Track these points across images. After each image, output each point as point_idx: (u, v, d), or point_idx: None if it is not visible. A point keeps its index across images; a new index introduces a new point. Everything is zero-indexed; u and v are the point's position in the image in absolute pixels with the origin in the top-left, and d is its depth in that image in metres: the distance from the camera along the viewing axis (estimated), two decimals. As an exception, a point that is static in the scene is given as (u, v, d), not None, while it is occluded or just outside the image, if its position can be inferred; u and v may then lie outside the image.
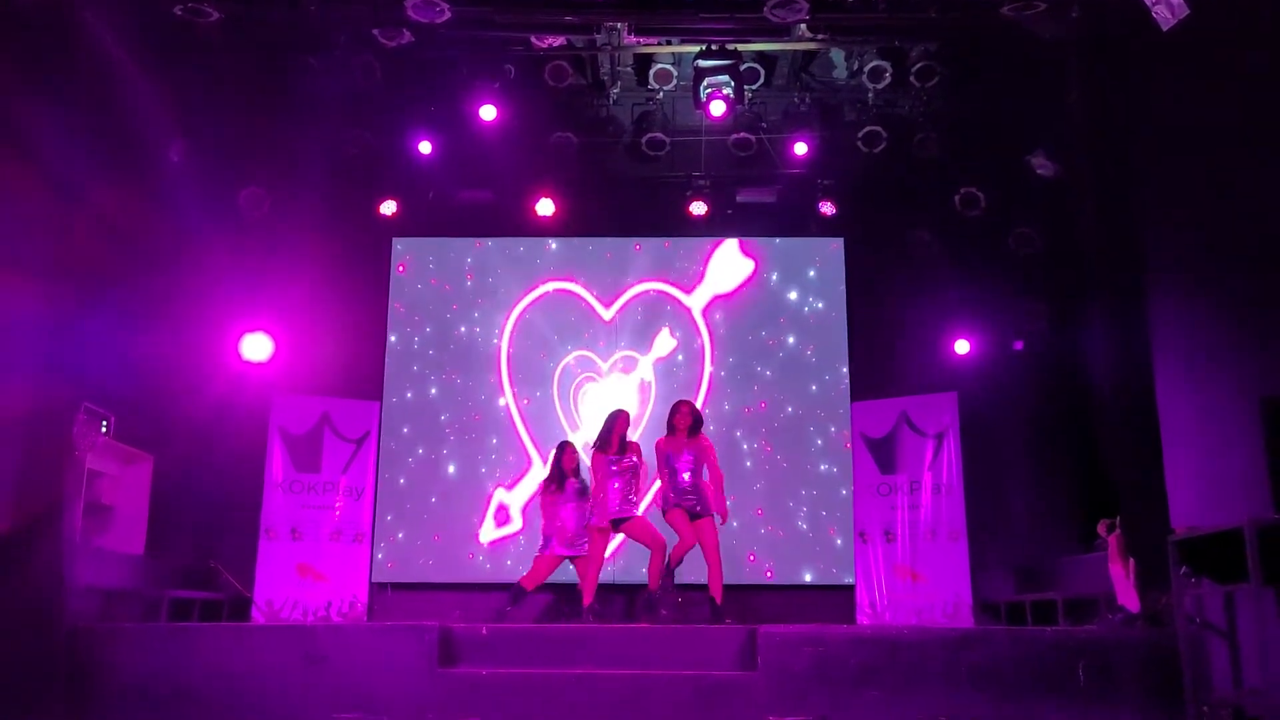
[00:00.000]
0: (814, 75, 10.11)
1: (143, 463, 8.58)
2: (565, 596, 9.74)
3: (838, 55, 9.82)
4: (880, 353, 10.18)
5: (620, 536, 8.40)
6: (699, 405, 9.52)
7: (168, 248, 8.74)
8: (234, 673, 6.03)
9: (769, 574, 9.77)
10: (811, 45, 9.03)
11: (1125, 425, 7.30)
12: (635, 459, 7.91)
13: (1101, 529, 7.65)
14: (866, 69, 9.29)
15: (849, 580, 9.64)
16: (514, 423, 10.25)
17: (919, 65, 9.14)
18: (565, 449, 8.37)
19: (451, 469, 10.07)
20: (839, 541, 9.82)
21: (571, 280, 10.54)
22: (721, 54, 8.87)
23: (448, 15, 7.94)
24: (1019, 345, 9.85)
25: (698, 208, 10.16)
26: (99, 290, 7.15)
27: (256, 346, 9.28)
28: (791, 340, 10.29)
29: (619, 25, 8.52)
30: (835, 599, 9.49)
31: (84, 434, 7.20)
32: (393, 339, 10.32)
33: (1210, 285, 6.19)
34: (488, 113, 9.35)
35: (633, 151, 10.27)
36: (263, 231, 9.71)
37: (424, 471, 10.05)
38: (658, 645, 6.44)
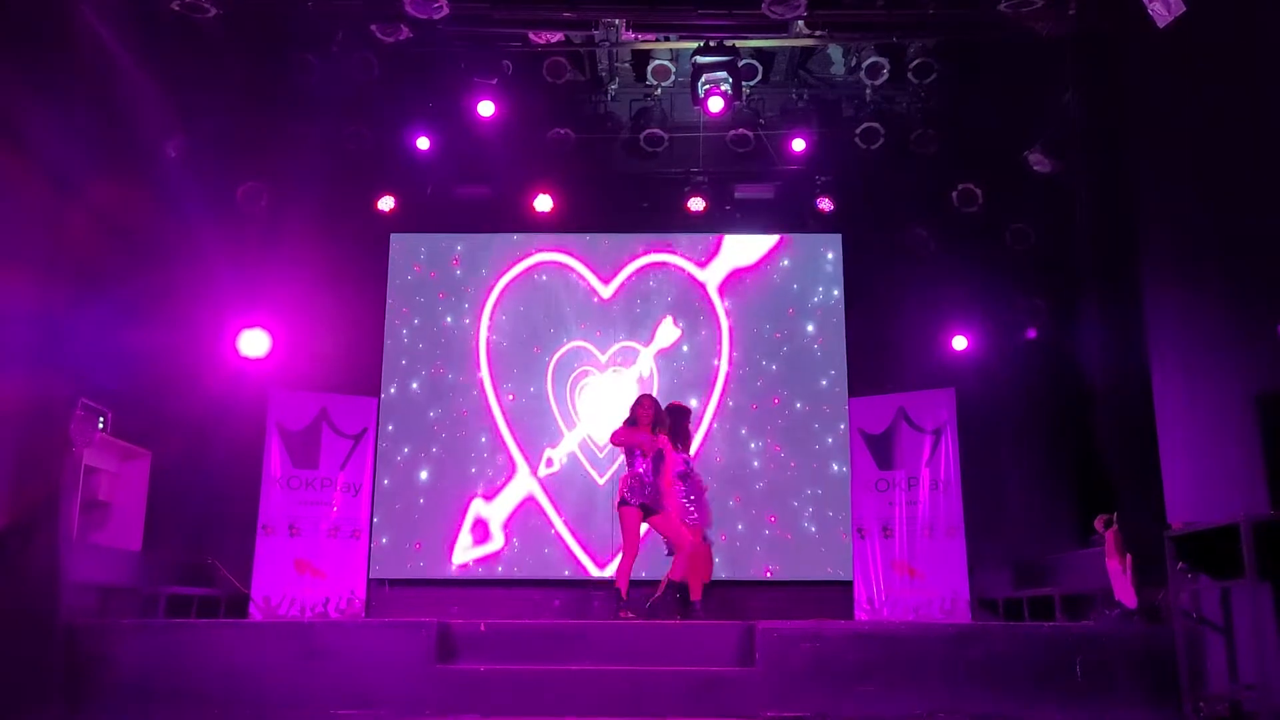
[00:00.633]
0: (812, 72, 10.12)
1: (140, 459, 8.57)
2: (565, 594, 9.79)
3: (836, 52, 9.82)
4: (878, 349, 10.19)
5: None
6: (719, 389, 9.69)
7: (165, 243, 8.72)
8: (232, 669, 6.02)
9: (768, 571, 9.78)
10: (809, 41, 9.02)
11: (1122, 421, 7.32)
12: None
13: (1098, 525, 7.63)
14: (864, 65, 9.29)
15: (847, 576, 9.65)
16: (496, 424, 10.22)
17: (917, 62, 9.15)
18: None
19: (450, 465, 10.07)
20: (839, 537, 9.83)
21: (567, 254, 10.53)
22: (719, 50, 8.86)
23: (446, 11, 7.94)
24: (1032, 333, 9.84)
25: (696, 204, 10.17)
26: (96, 286, 7.13)
27: (254, 342, 9.26)
28: (789, 336, 10.29)
29: (617, 21, 8.53)
30: (833, 595, 9.50)
31: (81, 430, 7.18)
32: (390, 335, 10.31)
33: (1206, 281, 6.20)
34: (486, 109, 9.36)
35: (631, 148, 10.27)
36: (261, 227, 9.70)
37: (423, 467, 10.05)
38: (656, 641, 6.45)
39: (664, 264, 10.53)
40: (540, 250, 10.52)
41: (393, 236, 10.49)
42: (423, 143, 9.73)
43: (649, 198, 10.51)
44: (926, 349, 9.95)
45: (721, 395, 10.26)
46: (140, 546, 8.42)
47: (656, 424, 7.67)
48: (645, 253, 10.54)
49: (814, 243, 10.50)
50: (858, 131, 9.73)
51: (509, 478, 10.12)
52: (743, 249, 10.51)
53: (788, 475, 10.01)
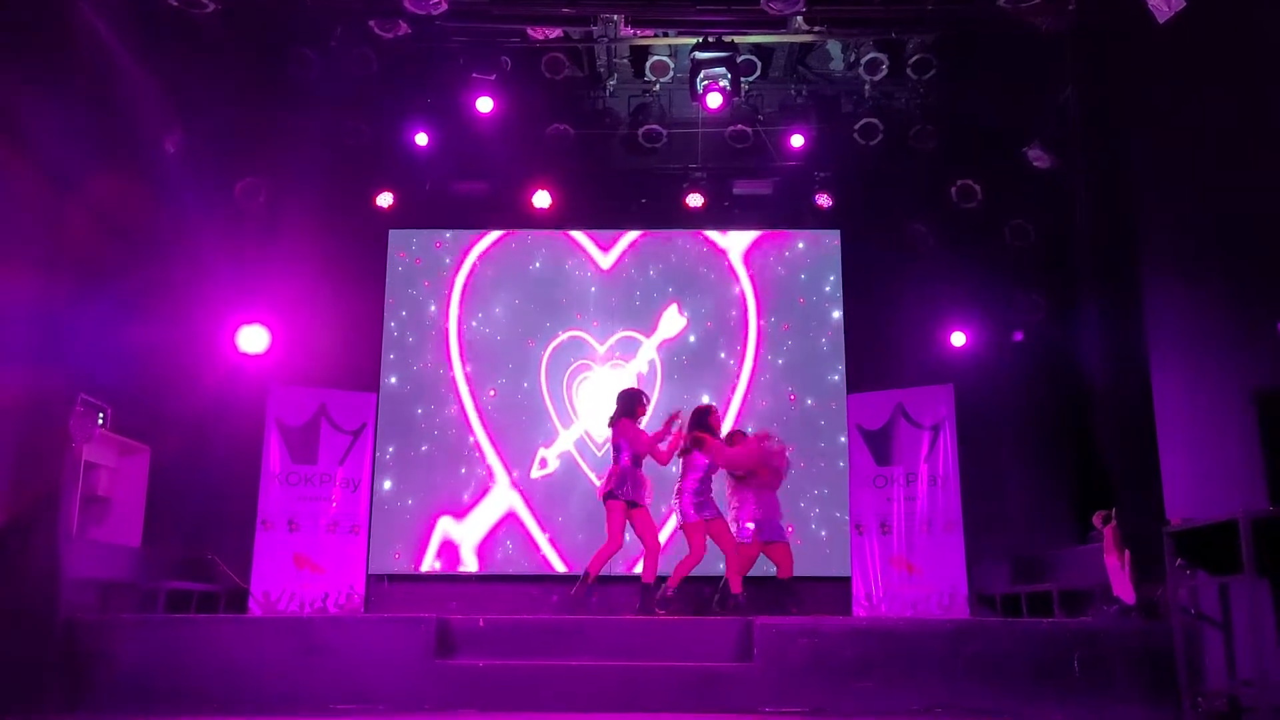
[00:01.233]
0: (811, 68, 10.12)
1: (139, 454, 8.57)
2: (563, 590, 9.79)
3: (835, 47, 9.82)
4: (876, 345, 10.18)
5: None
6: (751, 359, 9.88)
7: (164, 239, 8.72)
8: (231, 664, 6.03)
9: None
10: (808, 37, 9.02)
11: (1121, 417, 7.32)
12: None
13: (1097, 521, 7.65)
14: (863, 61, 9.30)
15: (845, 572, 9.65)
16: (473, 431, 10.16)
17: (916, 58, 9.16)
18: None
19: (449, 461, 10.06)
20: (831, 534, 9.83)
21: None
22: (718, 46, 8.86)
23: (444, 7, 7.94)
24: (1019, 336, 9.86)
25: (694, 200, 10.17)
26: (95, 282, 7.13)
27: (253, 338, 9.26)
28: (787, 332, 10.29)
29: (616, 17, 8.53)
30: (831, 591, 9.50)
31: (80, 426, 7.19)
32: (389, 330, 10.30)
33: (1206, 278, 6.21)
34: (484, 105, 9.36)
35: (629, 143, 10.27)
36: (259, 223, 9.70)
37: (422, 463, 10.05)
38: (655, 637, 6.46)
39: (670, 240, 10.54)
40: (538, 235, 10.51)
41: (391, 232, 10.48)
42: (421, 139, 9.73)
43: (647, 194, 10.49)
44: (925, 345, 9.95)
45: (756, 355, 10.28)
46: (140, 542, 8.42)
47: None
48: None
49: (813, 239, 10.49)
50: (856, 127, 9.73)
51: (485, 490, 10.07)
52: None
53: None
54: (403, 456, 10.06)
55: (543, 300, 10.45)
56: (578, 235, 10.51)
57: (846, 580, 9.61)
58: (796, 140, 9.91)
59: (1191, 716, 5.51)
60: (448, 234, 10.52)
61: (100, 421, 7.78)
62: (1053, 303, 9.67)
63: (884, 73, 9.32)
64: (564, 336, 10.42)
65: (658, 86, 9.95)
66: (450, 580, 9.78)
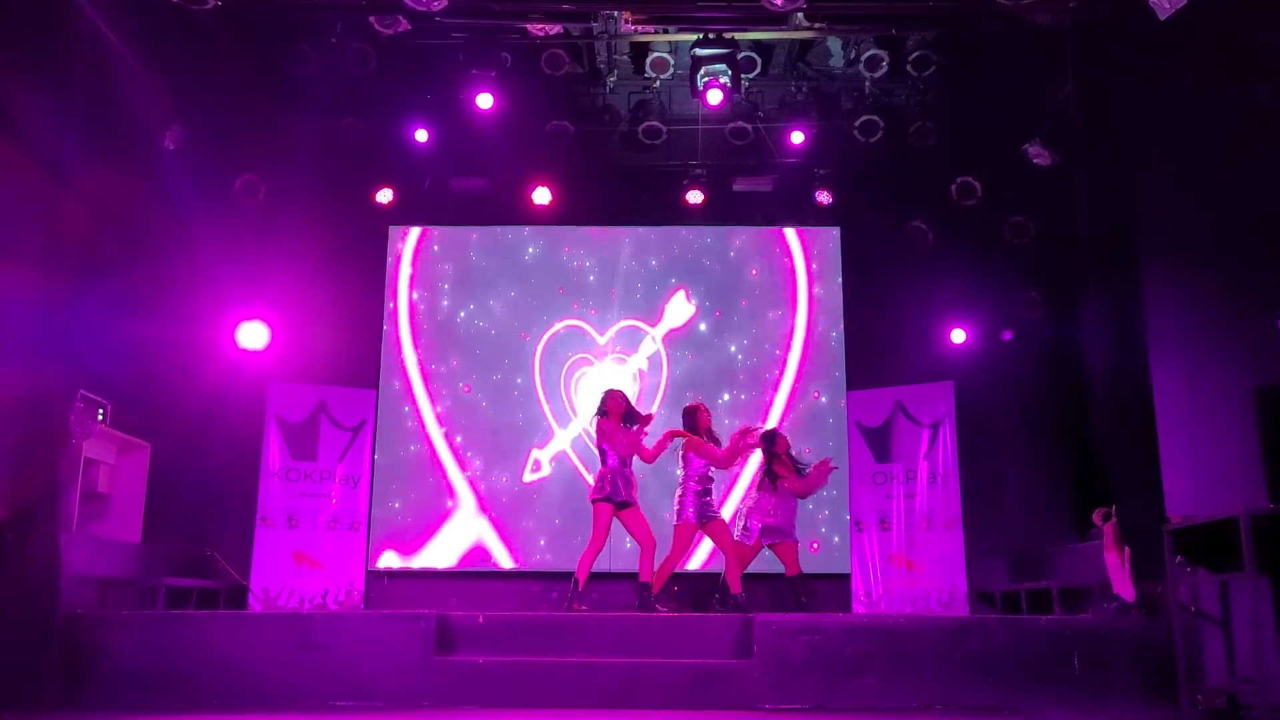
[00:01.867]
0: (811, 64, 10.11)
1: (139, 451, 8.57)
2: (563, 586, 9.79)
3: (835, 44, 9.81)
4: (876, 342, 10.18)
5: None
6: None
7: (163, 235, 8.72)
8: (230, 661, 6.03)
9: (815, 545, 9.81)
10: (808, 34, 9.00)
11: (1121, 415, 7.32)
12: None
13: (1097, 518, 7.65)
14: (863, 58, 9.29)
15: (845, 569, 9.65)
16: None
17: (916, 54, 9.15)
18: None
19: (448, 457, 10.07)
20: (830, 531, 9.83)
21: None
22: (718, 42, 8.84)
23: (444, 3, 7.90)
24: (1008, 336, 9.87)
25: (694, 197, 10.16)
26: (94, 278, 7.13)
27: (253, 334, 9.26)
28: (785, 330, 10.28)
29: (616, 14, 8.51)
30: (831, 588, 9.50)
31: (80, 422, 7.19)
32: (388, 327, 10.30)
33: (1206, 275, 6.21)
34: (484, 101, 9.35)
35: (629, 140, 10.25)
36: (258, 219, 9.69)
37: (421, 460, 10.05)
38: (654, 634, 6.45)
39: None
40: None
41: (391, 229, 10.48)
42: (421, 135, 9.72)
43: (647, 190, 10.48)
44: (925, 342, 9.95)
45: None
46: (139, 538, 8.42)
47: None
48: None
49: (812, 236, 10.49)
50: (856, 124, 9.72)
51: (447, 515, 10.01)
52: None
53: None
54: (422, 447, 10.10)
55: (537, 291, 10.43)
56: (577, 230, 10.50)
57: (846, 577, 9.61)
58: (796, 137, 9.91)
59: (1191, 714, 5.51)
60: (465, 246, 10.51)
61: (100, 418, 7.78)
62: (1053, 300, 9.67)
63: (884, 70, 9.31)
64: (559, 327, 10.38)
65: (658, 83, 9.94)
66: (450, 576, 9.78)
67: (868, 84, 9.71)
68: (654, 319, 10.38)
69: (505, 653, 6.20)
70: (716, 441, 7.76)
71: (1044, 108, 9.00)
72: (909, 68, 9.26)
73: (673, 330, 10.39)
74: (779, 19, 8.52)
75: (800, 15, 8.43)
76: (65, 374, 6.77)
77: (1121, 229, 7.29)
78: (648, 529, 7.50)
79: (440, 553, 9.84)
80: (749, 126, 10.01)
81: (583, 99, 10.22)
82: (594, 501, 7.50)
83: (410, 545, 9.84)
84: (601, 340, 10.38)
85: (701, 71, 8.84)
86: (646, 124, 9.97)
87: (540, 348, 10.34)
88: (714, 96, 8.91)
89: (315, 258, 9.92)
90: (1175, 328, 6.57)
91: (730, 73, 8.84)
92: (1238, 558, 4.94)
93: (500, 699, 5.86)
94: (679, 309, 10.31)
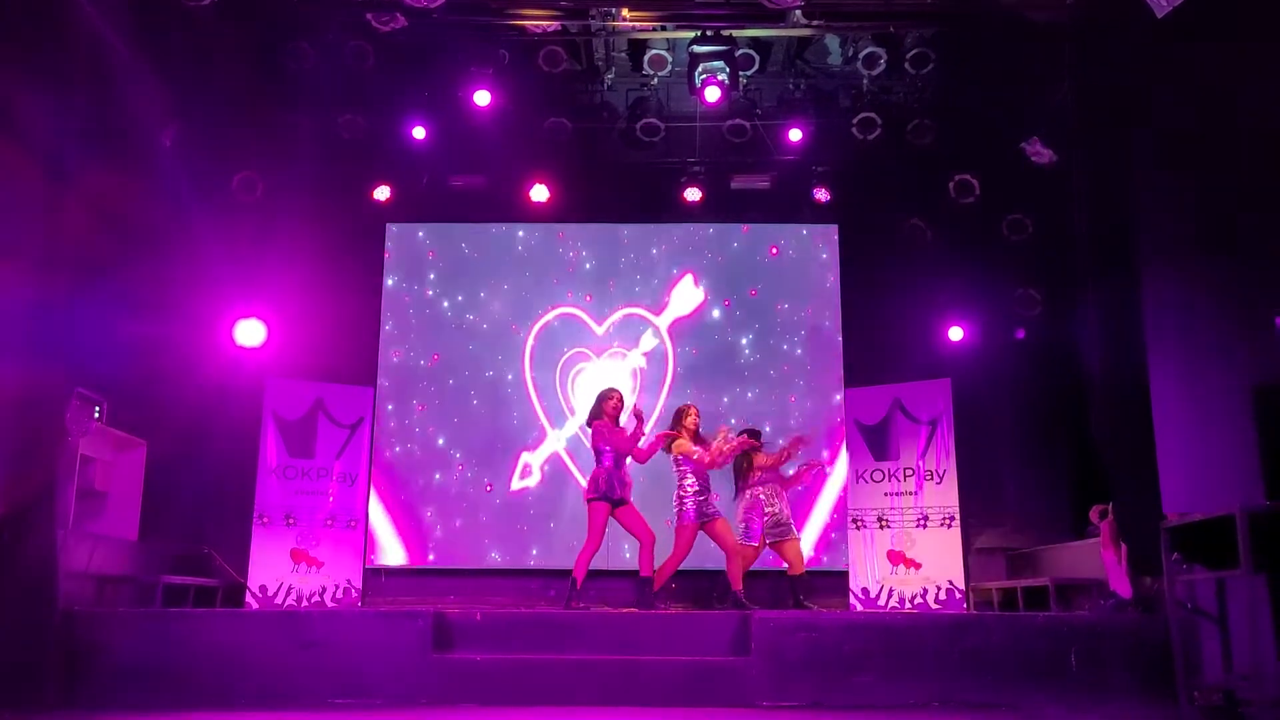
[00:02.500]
0: (809, 62, 10.10)
1: (136, 448, 8.56)
2: (560, 584, 9.78)
3: (833, 42, 9.80)
4: (874, 339, 10.18)
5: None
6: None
7: (161, 232, 8.70)
8: (228, 658, 6.03)
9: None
10: (807, 31, 9.01)
11: (1118, 412, 7.33)
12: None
13: (1094, 515, 7.67)
14: (861, 55, 9.28)
15: (843, 566, 9.66)
16: (532, 404, 10.20)
17: (914, 52, 9.15)
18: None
19: (448, 454, 10.06)
20: (829, 528, 9.83)
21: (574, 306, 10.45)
22: (717, 40, 8.85)
23: (441, 0, 7.91)
24: (1021, 334, 9.86)
25: (692, 194, 10.16)
26: (92, 275, 7.12)
27: (250, 332, 9.25)
28: (784, 328, 10.28)
29: (614, 10, 8.50)
30: (829, 585, 9.50)
31: (77, 419, 7.18)
32: (386, 324, 10.29)
33: (1204, 273, 6.20)
34: (482, 98, 9.33)
35: (627, 137, 10.24)
36: (256, 216, 9.68)
37: (419, 457, 10.05)
38: (652, 631, 6.45)
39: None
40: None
41: (388, 226, 10.47)
42: (418, 132, 9.71)
43: (645, 188, 10.48)
44: (922, 340, 9.95)
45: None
46: (136, 536, 8.41)
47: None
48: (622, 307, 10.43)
49: (810, 233, 10.48)
50: (854, 122, 9.70)
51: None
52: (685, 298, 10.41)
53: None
54: (421, 445, 10.12)
55: (531, 284, 10.41)
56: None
57: (844, 574, 9.62)
58: (794, 135, 9.90)
59: (1188, 710, 5.51)
60: (463, 244, 10.51)
61: (96, 415, 7.78)
62: (1051, 298, 9.68)
63: (882, 67, 9.30)
64: (552, 316, 10.36)
65: (655, 80, 9.93)
66: (448, 574, 9.78)
67: (866, 81, 9.71)
68: (658, 307, 10.35)
69: (503, 650, 6.20)
70: (704, 442, 7.77)
71: (1042, 105, 9.01)
72: (907, 65, 9.25)
73: (680, 319, 10.35)
74: (777, 16, 8.53)
75: (798, 12, 8.44)
76: (62, 371, 6.75)
77: (1120, 227, 7.29)
78: (645, 524, 7.53)
79: (438, 551, 9.84)
80: (747, 124, 10.01)
81: (581, 96, 10.21)
82: (590, 501, 7.53)
83: (408, 543, 9.84)
84: (600, 330, 10.36)
85: (699, 69, 8.84)
86: (644, 121, 9.96)
87: (531, 340, 10.32)
88: (712, 94, 8.92)
89: (313, 255, 9.91)
90: (1173, 325, 6.56)
91: (728, 70, 8.85)
92: (1234, 555, 4.94)
93: (498, 696, 5.86)
94: (686, 295, 10.23)
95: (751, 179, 10.53)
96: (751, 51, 9.53)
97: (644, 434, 7.70)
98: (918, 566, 9.34)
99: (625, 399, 8.02)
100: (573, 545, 9.69)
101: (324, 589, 9.33)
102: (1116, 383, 7.38)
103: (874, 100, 9.85)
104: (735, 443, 7.78)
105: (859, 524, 9.65)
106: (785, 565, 8.07)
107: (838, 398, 10.09)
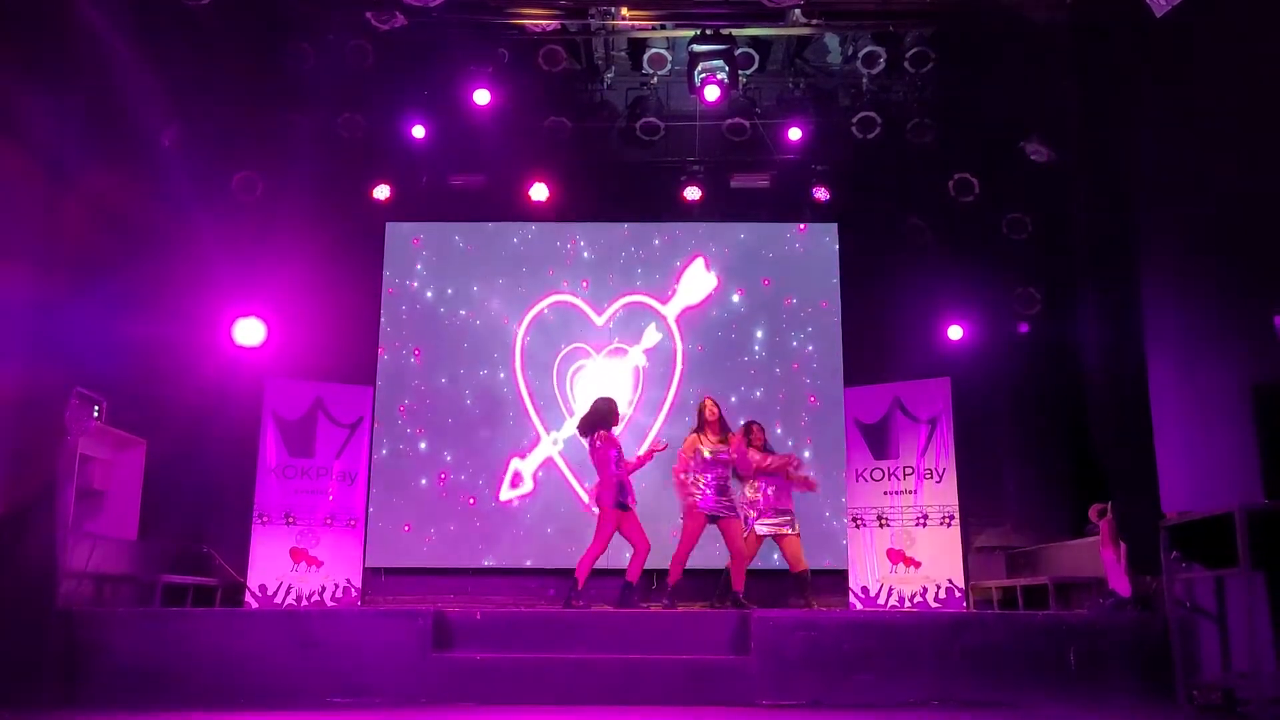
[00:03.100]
0: (808, 61, 10.10)
1: (135, 448, 8.55)
2: (560, 583, 9.78)
3: (832, 41, 9.80)
4: (874, 338, 10.19)
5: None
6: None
7: (161, 232, 8.70)
8: (227, 658, 6.02)
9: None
10: (806, 30, 9.01)
11: (1117, 411, 7.32)
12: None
13: (1093, 514, 7.68)
14: (861, 54, 9.29)
15: (842, 565, 9.66)
16: (524, 404, 10.19)
17: (913, 51, 9.16)
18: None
19: (446, 454, 10.06)
20: (828, 527, 9.83)
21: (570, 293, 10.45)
22: (716, 39, 8.86)
23: (441, -1, 7.93)
24: (1024, 328, 9.86)
25: (692, 193, 10.16)
26: (91, 275, 7.11)
27: (249, 331, 9.25)
28: (784, 327, 10.28)
29: (613, 9, 8.50)
30: (828, 584, 9.51)
31: (76, 419, 7.16)
32: (385, 324, 10.29)
33: (1203, 272, 6.20)
34: (481, 97, 9.33)
35: (627, 136, 10.25)
36: (256, 216, 9.69)
37: (418, 456, 10.05)
38: (652, 630, 6.45)
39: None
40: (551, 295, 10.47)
41: (388, 225, 10.47)
42: (418, 131, 9.71)
43: (645, 187, 10.48)
44: (922, 338, 9.95)
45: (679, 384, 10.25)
46: (136, 535, 8.41)
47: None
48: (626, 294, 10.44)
49: (810, 232, 10.48)
50: (854, 121, 9.71)
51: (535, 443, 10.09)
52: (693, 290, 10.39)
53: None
54: (420, 444, 10.12)
55: (526, 278, 10.41)
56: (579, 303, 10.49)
57: (844, 573, 9.62)
58: (794, 134, 9.91)
59: (1186, 708, 5.51)
60: (462, 242, 10.51)
61: (96, 414, 7.76)
62: (1050, 297, 9.68)
63: (882, 66, 9.31)
64: (545, 305, 10.37)
65: (655, 79, 9.93)
66: (447, 573, 9.78)
67: (865, 80, 9.71)
68: (664, 295, 10.32)
69: (502, 649, 6.20)
70: (723, 436, 7.86)
71: (1042, 104, 9.00)
72: (907, 64, 9.26)
73: (690, 308, 10.32)
74: (776, 15, 8.54)
75: (798, 11, 8.45)
76: (62, 370, 6.74)
77: (1119, 225, 7.29)
78: (644, 534, 7.57)
79: (437, 550, 9.84)
80: (747, 123, 10.01)
81: (580, 95, 10.21)
82: (603, 506, 7.58)
83: (407, 543, 9.84)
84: (600, 320, 10.37)
85: (699, 68, 8.85)
86: (644, 120, 9.97)
87: (523, 333, 10.33)
88: (711, 93, 8.92)
89: (313, 254, 9.92)
90: (1172, 324, 6.56)
91: (728, 69, 8.86)
92: (1233, 553, 4.95)
93: (497, 696, 5.86)
94: (698, 280, 10.16)
95: (751, 178, 10.53)
96: (751, 50, 9.54)
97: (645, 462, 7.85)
98: (917, 565, 9.35)
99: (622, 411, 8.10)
100: (569, 550, 9.77)
101: (323, 588, 9.33)
102: (1116, 381, 7.37)
103: (874, 99, 9.86)
104: (779, 461, 7.96)
105: (859, 523, 9.66)
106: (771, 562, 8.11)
107: (838, 397, 10.08)
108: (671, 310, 10.29)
